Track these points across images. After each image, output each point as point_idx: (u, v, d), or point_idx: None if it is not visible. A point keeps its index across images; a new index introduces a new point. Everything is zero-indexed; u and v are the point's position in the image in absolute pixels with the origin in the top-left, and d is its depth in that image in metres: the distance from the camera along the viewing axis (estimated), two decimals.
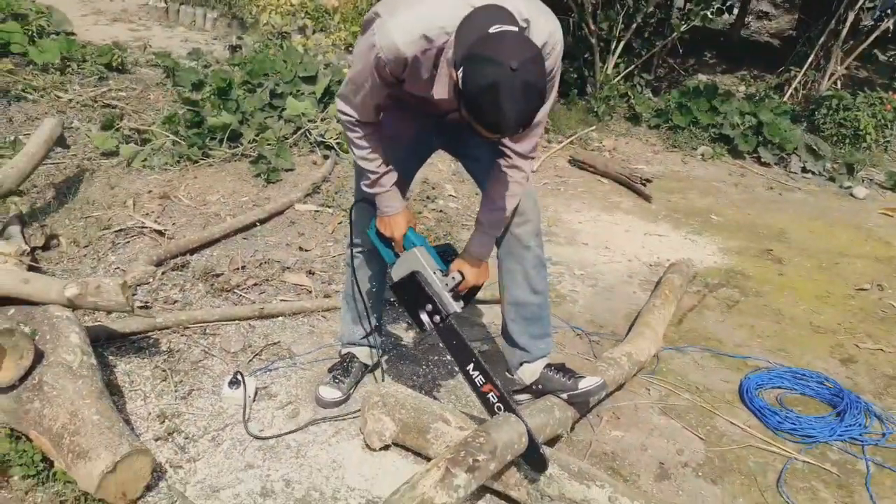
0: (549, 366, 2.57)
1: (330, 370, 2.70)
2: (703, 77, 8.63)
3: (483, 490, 2.28)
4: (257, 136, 4.83)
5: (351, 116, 2.12)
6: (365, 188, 2.28)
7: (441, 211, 4.45)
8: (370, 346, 2.75)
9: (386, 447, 2.44)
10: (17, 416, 2.18)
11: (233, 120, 4.80)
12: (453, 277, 2.21)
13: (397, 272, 2.26)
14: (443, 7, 1.86)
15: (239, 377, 2.54)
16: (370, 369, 2.78)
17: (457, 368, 2.38)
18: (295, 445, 2.40)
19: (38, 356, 2.24)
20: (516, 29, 1.77)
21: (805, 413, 2.90)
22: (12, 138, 4.55)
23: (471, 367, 2.24)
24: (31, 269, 3.06)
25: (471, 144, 2.32)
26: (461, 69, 1.73)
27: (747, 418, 2.85)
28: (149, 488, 2.13)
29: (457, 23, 1.82)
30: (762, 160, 6.49)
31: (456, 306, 2.20)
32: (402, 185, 2.34)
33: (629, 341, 3.04)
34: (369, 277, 2.59)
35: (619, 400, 2.85)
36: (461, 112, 1.83)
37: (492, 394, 2.23)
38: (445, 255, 2.32)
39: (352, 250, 2.57)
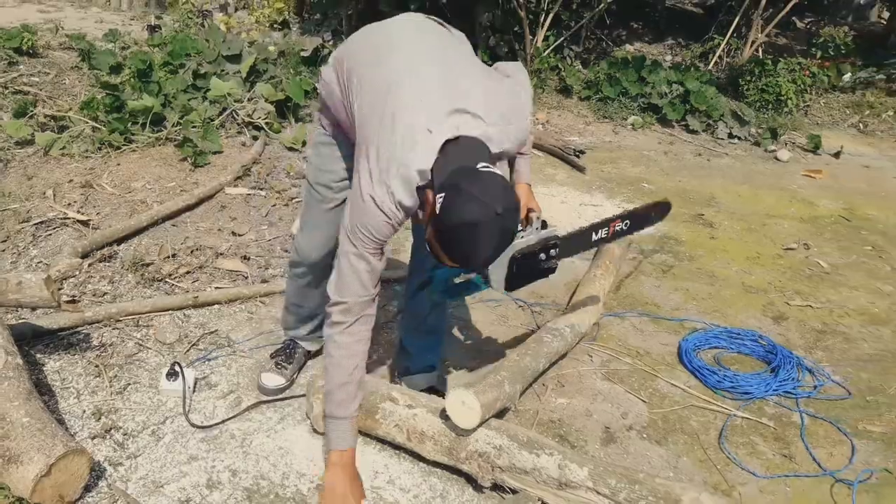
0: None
1: (272, 356, 2.64)
2: (630, 48, 8.77)
3: (434, 465, 2.28)
4: (181, 118, 4.66)
5: (348, 309, 1.95)
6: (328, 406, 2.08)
7: None
8: (315, 337, 2.70)
9: None
10: None
11: (155, 103, 4.61)
12: (531, 218, 2.18)
13: (497, 279, 2.11)
14: (417, 153, 1.77)
15: (177, 368, 2.46)
16: (312, 355, 2.73)
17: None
18: (240, 435, 2.34)
19: None
20: (501, 173, 1.74)
21: (742, 371, 3.00)
22: None
23: (595, 234, 2.44)
24: None
25: None
26: (443, 195, 1.68)
27: (687, 379, 2.93)
28: (88, 488, 2.04)
29: (432, 159, 1.76)
30: (690, 128, 6.65)
31: (555, 230, 2.20)
32: None
33: (572, 312, 3.08)
34: (308, 287, 2.52)
35: (563, 368, 2.89)
36: (426, 232, 1.80)
37: (620, 224, 2.49)
38: None
39: (291, 269, 2.55)
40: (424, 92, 1.83)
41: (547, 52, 7.31)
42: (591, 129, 6.47)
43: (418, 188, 1.79)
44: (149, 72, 4.99)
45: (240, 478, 2.17)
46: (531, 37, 7.16)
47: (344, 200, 2.12)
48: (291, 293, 2.61)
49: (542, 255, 2.13)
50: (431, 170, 1.76)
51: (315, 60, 6.06)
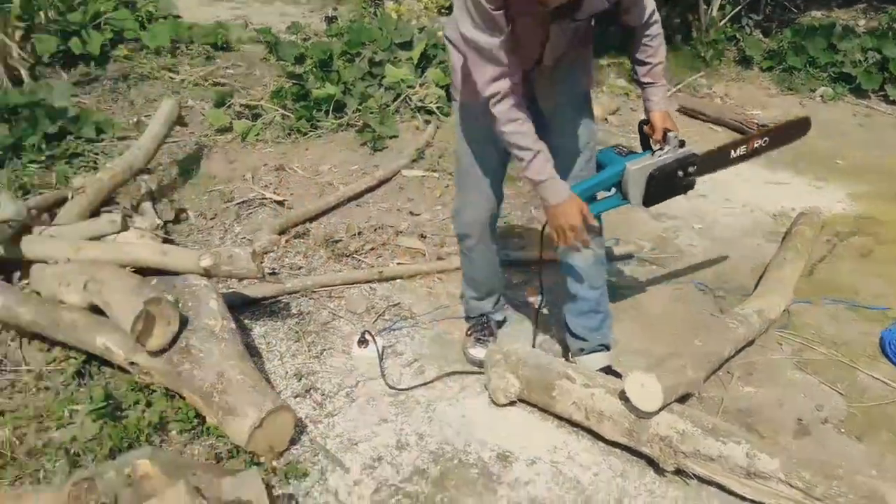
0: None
1: (469, 332, 2.76)
2: (816, 13, 8.04)
3: (613, 445, 2.27)
4: (360, 105, 4.90)
5: (499, 88, 2.05)
6: (528, 179, 2.21)
7: None
8: (500, 308, 2.83)
9: (511, 403, 2.46)
10: (170, 377, 2.34)
11: (336, 91, 4.89)
12: (668, 137, 2.24)
13: (635, 195, 2.25)
14: None
15: (367, 336, 2.62)
16: (501, 324, 2.87)
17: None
18: (424, 401, 2.47)
19: (183, 322, 2.39)
20: None
21: None
22: (135, 120, 4.82)
23: (734, 152, 2.43)
24: (164, 241, 3.26)
25: (556, 127, 2.32)
26: None
27: (891, 372, 2.69)
28: (293, 442, 2.25)
29: None
30: (889, 98, 6.01)
31: (692, 148, 2.25)
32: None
33: (759, 296, 2.92)
34: (483, 262, 2.65)
35: (750, 356, 2.75)
36: None
37: (759, 141, 2.48)
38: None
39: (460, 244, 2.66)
40: None
41: (723, 21, 6.89)
42: (776, 102, 6.04)
43: None
44: (329, 61, 5.29)
45: (426, 441, 2.29)
46: (706, 6, 6.78)
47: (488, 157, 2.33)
48: (468, 270, 2.72)
49: (680, 173, 2.20)
50: None
51: None
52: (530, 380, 2.41)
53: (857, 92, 6.14)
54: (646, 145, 2.33)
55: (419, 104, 5.01)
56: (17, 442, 2.27)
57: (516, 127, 2.09)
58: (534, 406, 2.44)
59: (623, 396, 2.21)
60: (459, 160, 2.47)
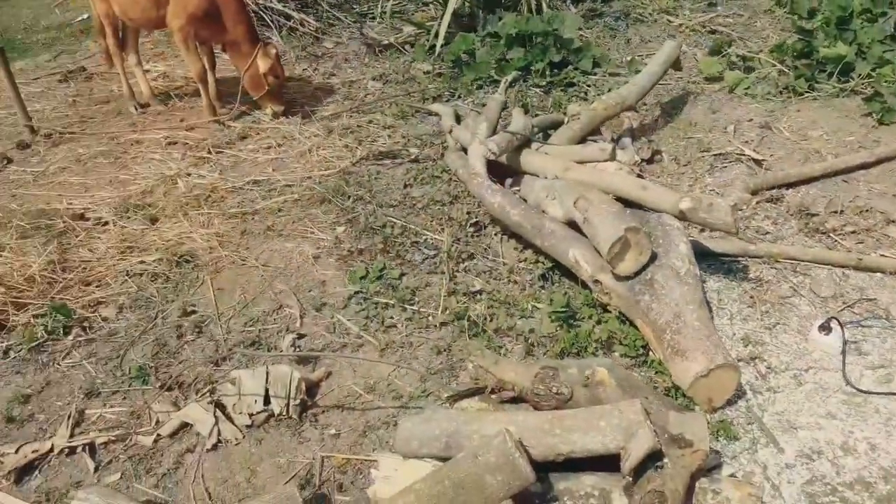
0: None
1: None
2: None
3: None
4: (873, 70, 4.34)
5: None
6: None
7: None
8: None
9: None
10: (628, 304, 2.52)
11: (848, 52, 4.40)
12: None
13: None
14: None
15: (833, 324, 2.44)
16: None
17: None
18: (885, 413, 2.22)
19: (653, 257, 2.52)
20: None
21: None
22: (629, 58, 5.07)
23: None
24: (639, 178, 3.42)
25: None
26: None
27: None
28: (730, 403, 2.25)
29: None
30: None
31: None
32: None
33: None
34: None
35: None
36: None
37: None
38: None
39: None
40: None
41: None
42: None
43: None
44: (848, 19, 4.75)
45: (878, 454, 2.08)
46: None
47: None
48: None
49: None
50: None
51: None
52: None
53: None
54: None
55: None
56: (489, 318, 2.72)
57: None
58: None
59: None
60: None
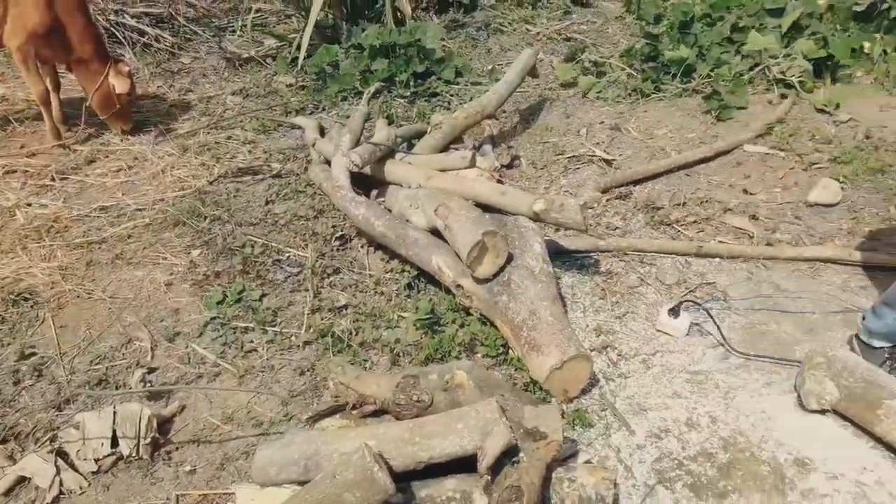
0: None
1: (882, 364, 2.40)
2: None
3: None
4: (712, 71, 4.68)
5: None
6: None
7: None
8: None
9: (823, 411, 2.26)
10: (488, 305, 2.57)
11: (689, 54, 4.72)
12: None
13: None
14: None
15: (679, 307, 2.60)
16: None
17: None
18: (724, 386, 2.38)
19: (509, 258, 2.59)
20: None
21: None
22: (489, 67, 5.20)
23: None
24: (498, 183, 3.51)
25: None
26: None
27: None
28: (584, 392, 2.34)
29: None
30: None
31: None
32: None
33: None
34: None
35: None
36: None
37: None
38: None
39: None
40: None
41: None
42: None
43: None
44: (689, 23, 5.10)
45: (718, 426, 2.23)
46: None
47: None
48: None
49: None
50: None
51: (870, 16, 5.36)
52: (853, 392, 2.19)
53: None
54: None
55: (779, 76, 4.61)
56: (354, 333, 2.70)
57: None
58: (849, 420, 2.22)
59: None
60: None
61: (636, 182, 3.65)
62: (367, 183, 3.41)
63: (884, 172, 3.61)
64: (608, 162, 3.87)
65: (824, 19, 5.15)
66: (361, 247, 3.22)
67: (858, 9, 5.43)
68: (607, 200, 3.51)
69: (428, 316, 2.70)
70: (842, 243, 3.11)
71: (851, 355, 2.32)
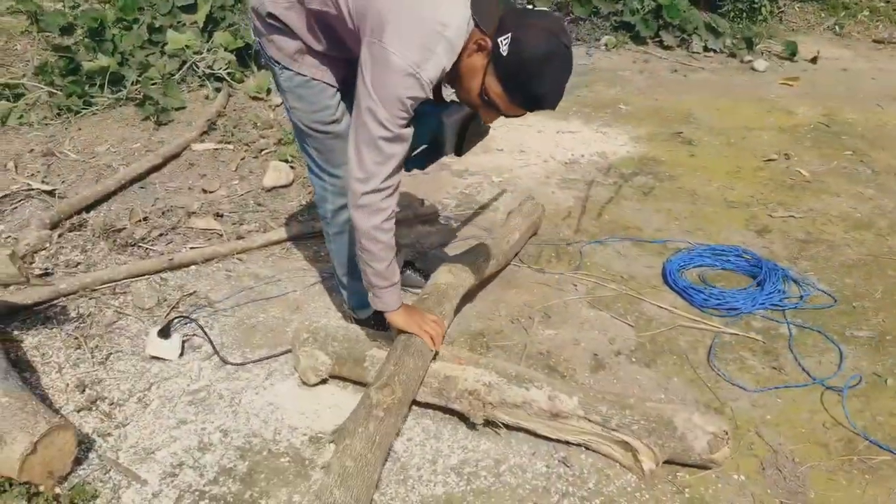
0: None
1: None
2: None
3: (427, 406, 2.28)
4: (140, 76, 4.50)
5: (388, 187, 1.91)
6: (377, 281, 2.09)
7: None
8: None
9: (323, 381, 2.39)
10: None
11: (111, 62, 4.45)
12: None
13: (451, 145, 2.15)
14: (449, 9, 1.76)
15: (169, 326, 2.45)
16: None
17: None
18: (228, 394, 2.32)
19: None
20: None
21: (728, 287, 3.00)
22: None
23: None
24: None
25: None
26: (509, 35, 1.70)
27: (673, 300, 2.93)
28: (78, 461, 2.03)
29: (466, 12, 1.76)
30: (664, 44, 6.51)
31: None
32: None
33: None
34: None
35: (549, 299, 2.87)
36: (475, 88, 1.84)
37: None
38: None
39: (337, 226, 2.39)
40: None
41: None
42: None
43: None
44: (102, 30, 4.78)
45: (231, 437, 2.16)
46: None
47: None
48: (350, 258, 2.43)
49: (480, 119, 2.18)
50: (473, 19, 1.75)
51: None
52: (341, 354, 2.35)
53: (637, 39, 6.59)
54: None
55: (207, 71, 4.69)
56: None
57: (390, 238, 2.01)
58: (346, 381, 2.39)
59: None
60: (316, 135, 2.20)
61: (88, 208, 3.31)
62: None
63: None
64: (50, 193, 3.42)
65: (236, 9, 5.41)
66: None
67: None
68: (59, 236, 3.10)
69: None
70: (304, 219, 3.33)
71: (329, 322, 2.49)
